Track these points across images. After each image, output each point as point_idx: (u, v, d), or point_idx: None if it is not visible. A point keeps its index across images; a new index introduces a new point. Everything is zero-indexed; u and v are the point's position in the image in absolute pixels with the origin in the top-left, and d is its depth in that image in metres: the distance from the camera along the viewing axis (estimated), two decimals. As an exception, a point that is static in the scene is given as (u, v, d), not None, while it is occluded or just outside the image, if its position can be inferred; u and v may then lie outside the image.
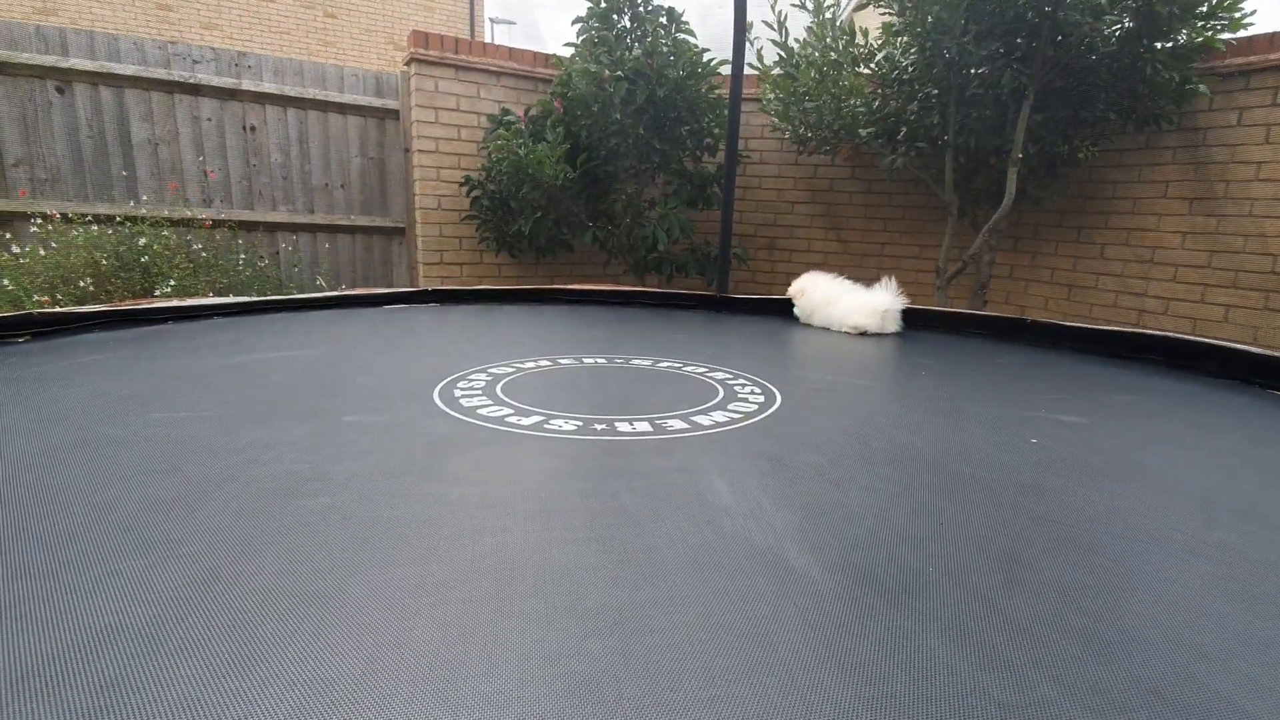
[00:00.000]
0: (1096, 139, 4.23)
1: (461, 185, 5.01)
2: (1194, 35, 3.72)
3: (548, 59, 5.29)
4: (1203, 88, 3.82)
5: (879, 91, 4.54)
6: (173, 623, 0.78)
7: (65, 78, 4.43)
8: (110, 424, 1.49)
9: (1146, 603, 0.90)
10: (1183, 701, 0.70)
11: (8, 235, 4.32)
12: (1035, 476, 1.36)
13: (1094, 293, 4.61)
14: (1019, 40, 3.82)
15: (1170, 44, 3.75)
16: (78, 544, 0.97)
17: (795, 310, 3.30)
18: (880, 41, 4.46)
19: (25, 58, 4.30)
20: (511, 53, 5.21)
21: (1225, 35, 3.72)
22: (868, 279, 5.54)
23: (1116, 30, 3.75)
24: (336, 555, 0.95)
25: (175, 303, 2.87)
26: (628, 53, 4.48)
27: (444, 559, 0.95)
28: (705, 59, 4.69)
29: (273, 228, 5.13)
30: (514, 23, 14.65)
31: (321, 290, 4.46)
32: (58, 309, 2.51)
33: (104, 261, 4.18)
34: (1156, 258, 4.29)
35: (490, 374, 2.05)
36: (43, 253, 4.12)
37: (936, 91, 4.25)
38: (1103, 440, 1.63)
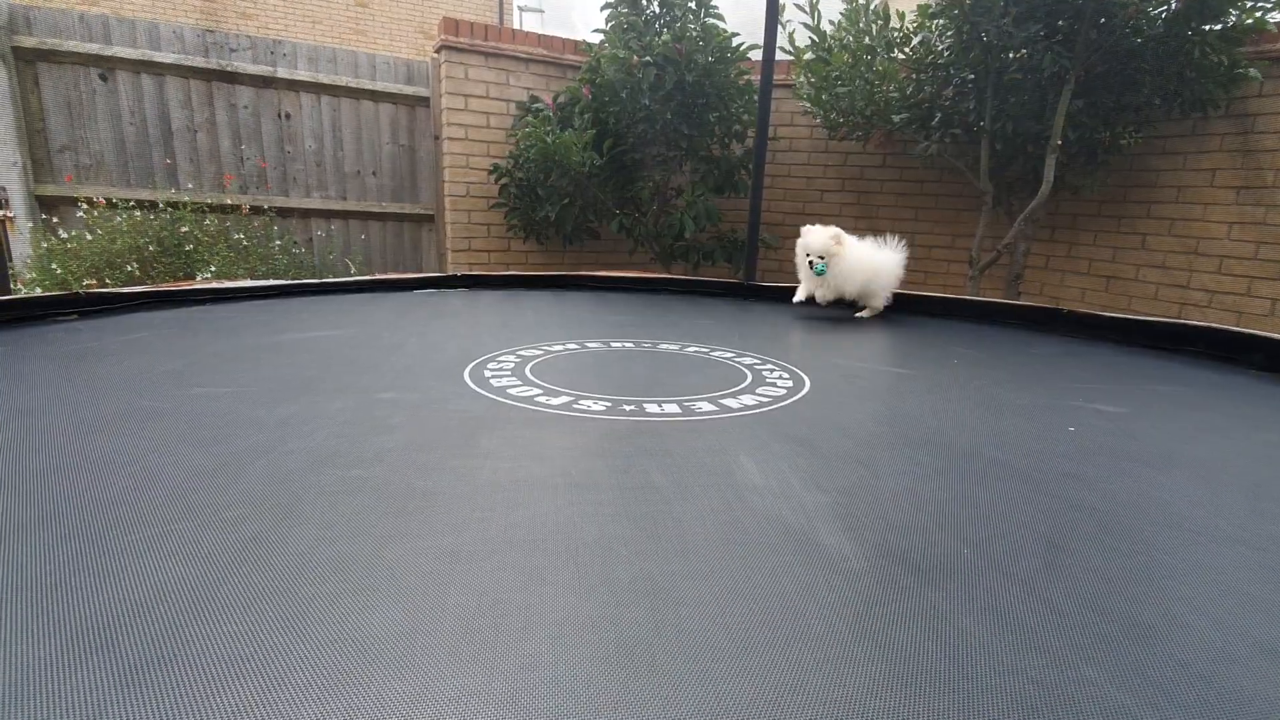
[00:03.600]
0: (1140, 125, 4.09)
1: (490, 173, 5.04)
2: (1243, 17, 3.57)
3: (577, 45, 5.27)
4: (1253, 72, 3.66)
5: (913, 76, 4.44)
6: (218, 583, 0.81)
7: (108, 65, 4.54)
8: (154, 397, 1.53)
9: (1191, 589, 0.87)
10: (1231, 687, 0.68)
11: (55, 220, 4.46)
12: (1074, 464, 1.33)
13: (1134, 284, 4.47)
14: (1061, 22, 3.70)
15: (1219, 26, 3.60)
16: (127, 508, 1.00)
17: (817, 267, 2.90)
18: (916, 24, 4.36)
19: (70, 45, 4.42)
20: (541, 39, 5.21)
21: (1277, 17, 3.56)
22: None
23: (1163, 12, 3.61)
24: (372, 524, 0.97)
25: (214, 285, 2.94)
26: (657, 38, 4.45)
27: (477, 530, 0.96)
28: (735, 43, 4.64)
29: (307, 214, 5.22)
30: (542, 10, 14.61)
31: (351, 274, 4.53)
32: (103, 289, 2.58)
33: (151, 248, 4.29)
34: (1201, 249, 4.15)
35: (519, 356, 2.07)
36: (89, 237, 4.25)
37: (973, 76, 4.14)
38: (1143, 430, 1.59)
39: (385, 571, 0.84)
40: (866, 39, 4.46)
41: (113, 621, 0.72)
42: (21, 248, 4.40)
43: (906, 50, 4.46)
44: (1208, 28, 3.58)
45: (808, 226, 2.96)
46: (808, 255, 2.93)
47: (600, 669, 0.67)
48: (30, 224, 4.40)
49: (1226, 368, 2.26)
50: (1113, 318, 2.69)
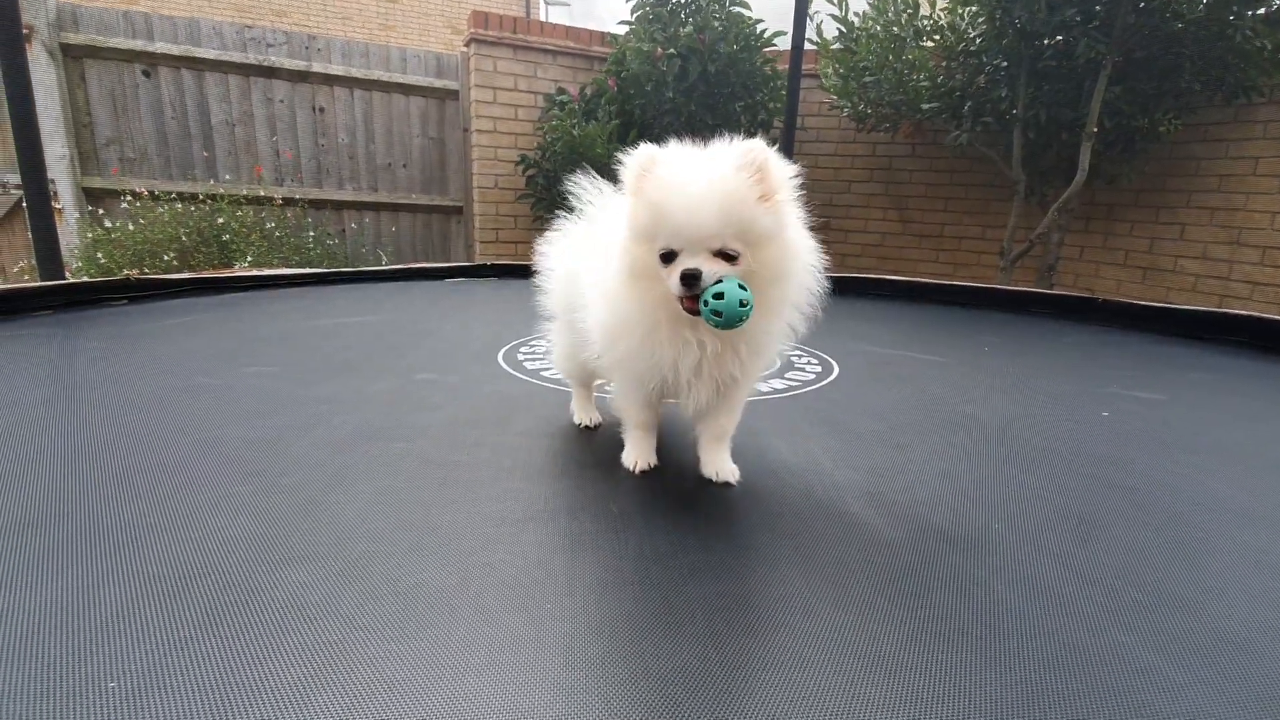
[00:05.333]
0: (1180, 112, 3.99)
1: (517, 164, 5.09)
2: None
3: (603, 37, 5.29)
4: (1300, 56, 3.55)
5: (944, 65, 4.38)
6: (281, 539, 0.86)
7: (151, 61, 4.68)
8: (206, 375, 1.60)
9: (1225, 564, 0.88)
10: (1268, 651, 0.69)
11: (100, 211, 4.62)
12: (1107, 448, 1.33)
13: (1172, 275, 4.37)
14: (1098, 7, 3.62)
15: (1263, 10, 3.50)
16: (190, 473, 1.06)
17: (729, 296, 0.91)
18: (946, 12, 4.29)
19: (115, 42, 4.56)
20: (568, 31, 5.24)
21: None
22: (928, 260, 5.39)
23: (1206, -5, 3.52)
24: (421, 491, 1.01)
25: (255, 272, 3.03)
26: (681, 29, 4.45)
27: (520, 499, 1.00)
28: (759, 30, 4.62)
29: (340, 206, 5.32)
30: (568, 3, 14.62)
31: (383, 264, 4.61)
32: (151, 276, 2.68)
33: (185, 237, 4.43)
34: (1243, 239, 4.04)
35: (551, 340, 2.10)
36: (132, 228, 4.39)
37: (1006, 63, 4.07)
38: (1180, 415, 1.57)
39: (436, 533, 0.88)
40: (895, 28, 4.40)
41: (186, 571, 0.78)
42: (69, 238, 4.56)
43: (936, 39, 4.40)
44: (1251, 12, 3.48)
45: (644, 152, 1.04)
46: (667, 251, 0.96)
47: (644, 620, 0.71)
48: (77, 215, 4.56)
49: (1266, 357, 2.22)
50: (1147, 306, 2.65)
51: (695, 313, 0.92)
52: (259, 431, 1.24)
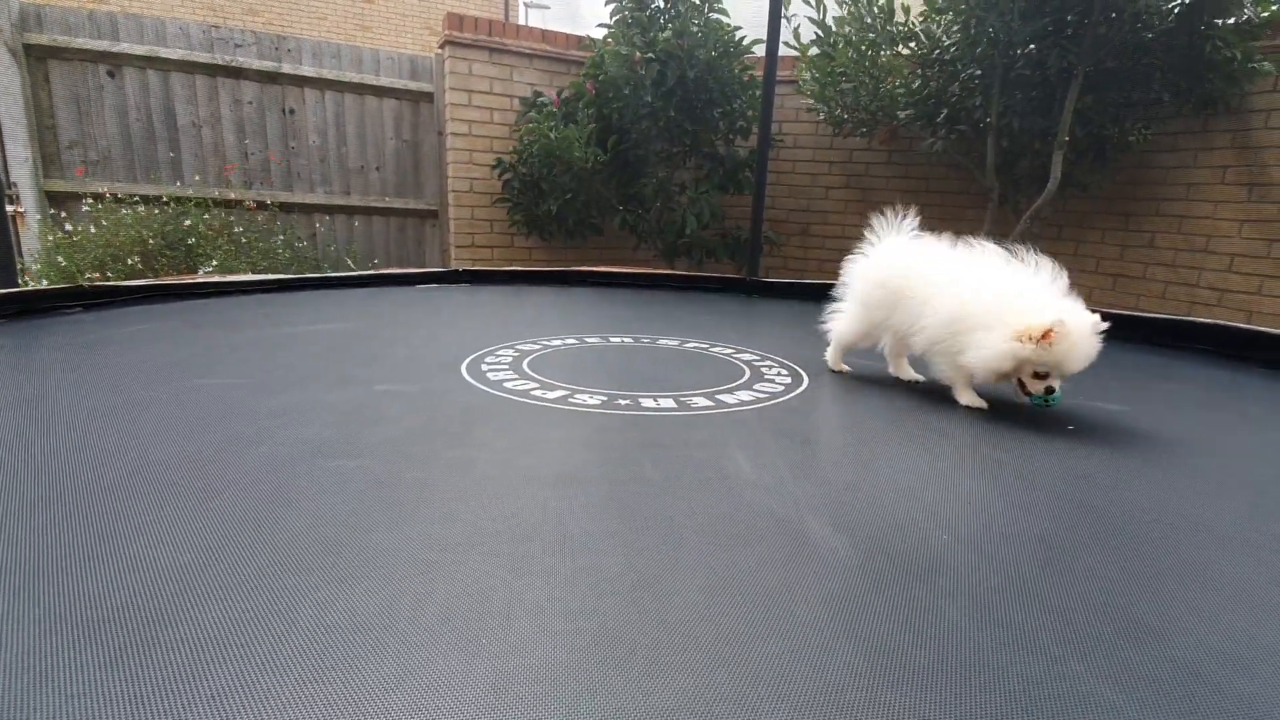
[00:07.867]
0: (1149, 121, 4.05)
1: (493, 168, 5.03)
2: (1259, 9, 3.52)
3: (580, 40, 5.26)
4: (1267, 65, 3.62)
5: (919, 72, 4.41)
6: (204, 568, 0.81)
7: (115, 62, 4.56)
8: (153, 388, 1.54)
9: (1189, 589, 0.86)
10: (1227, 686, 0.67)
11: (62, 214, 4.49)
12: (1071, 462, 1.32)
13: (1142, 283, 4.43)
14: (1069, 17, 3.66)
15: (1232, 20, 3.56)
16: (122, 494, 1.00)
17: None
18: (921, 20, 4.32)
19: (79, 42, 4.44)
20: (545, 34, 5.20)
21: (1295, 10, 3.51)
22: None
23: (1175, 6, 3.57)
24: (362, 513, 0.97)
25: (216, 278, 2.96)
26: (660, 33, 4.43)
27: (466, 520, 0.96)
28: (738, 37, 4.62)
29: (310, 209, 5.23)
30: (548, 6, 14.58)
31: (350, 269, 4.54)
32: (107, 283, 2.60)
33: (151, 241, 4.32)
34: (1211, 246, 4.10)
35: (517, 350, 2.07)
36: (94, 231, 4.28)
37: (980, 72, 4.10)
38: (1145, 427, 1.57)
39: (372, 559, 0.84)
40: (871, 35, 4.43)
41: (102, 604, 0.73)
42: (31, 242, 4.44)
43: (911, 46, 4.43)
44: (1220, 22, 3.54)
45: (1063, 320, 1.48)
46: (1039, 371, 1.53)
47: (582, 656, 0.67)
48: (39, 218, 4.43)
49: (1234, 365, 2.24)
50: (1118, 315, 2.67)
51: (1026, 394, 1.57)
52: (201, 448, 1.19)
